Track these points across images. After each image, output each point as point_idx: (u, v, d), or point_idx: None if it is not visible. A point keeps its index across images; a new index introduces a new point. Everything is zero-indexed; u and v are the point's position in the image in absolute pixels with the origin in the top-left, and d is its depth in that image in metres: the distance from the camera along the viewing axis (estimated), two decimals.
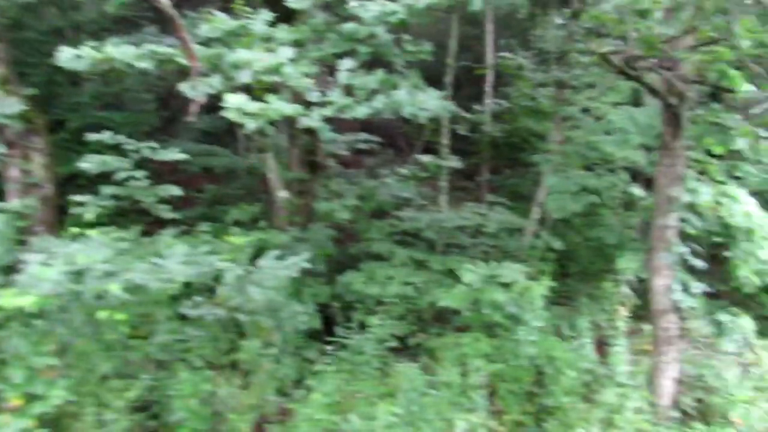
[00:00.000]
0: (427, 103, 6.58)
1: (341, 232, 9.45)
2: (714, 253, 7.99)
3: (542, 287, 6.36)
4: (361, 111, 6.69)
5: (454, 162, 9.24)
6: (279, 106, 6.23)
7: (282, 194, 8.71)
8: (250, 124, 6.17)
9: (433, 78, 9.91)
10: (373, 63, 7.24)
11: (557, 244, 8.73)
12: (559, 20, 9.00)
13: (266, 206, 9.14)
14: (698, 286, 6.30)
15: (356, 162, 12.05)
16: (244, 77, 6.52)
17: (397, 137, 13.46)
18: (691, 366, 6.64)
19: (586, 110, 8.84)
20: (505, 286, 6.50)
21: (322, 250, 8.28)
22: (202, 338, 5.31)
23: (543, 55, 10.55)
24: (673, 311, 6.24)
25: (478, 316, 6.72)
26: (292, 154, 9.57)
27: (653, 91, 5.55)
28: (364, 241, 8.50)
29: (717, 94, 6.43)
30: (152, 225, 8.14)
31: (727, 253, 7.31)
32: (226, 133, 11.95)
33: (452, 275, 7.36)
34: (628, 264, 6.93)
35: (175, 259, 4.98)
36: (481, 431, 5.34)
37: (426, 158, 9.25)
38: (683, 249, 6.12)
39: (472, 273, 6.52)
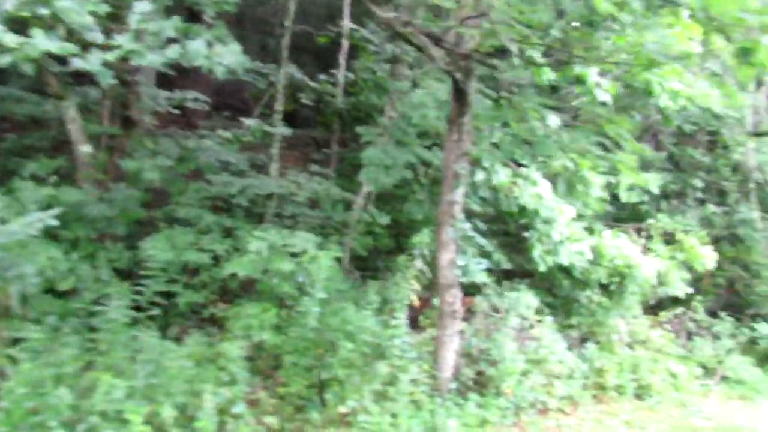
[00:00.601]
0: (224, 57, 6.15)
1: (158, 195, 8.81)
2: (519, 233, 8.32)
3: (329, 257, 6.21)
4: (152, 59, 6.14)
5: (283, 129, 8.88)
6: (41, 42, 5.51)
7: (84, 149, 7.89)
8: (3, 59, 5.43)
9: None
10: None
11: (384, 219, 8.69)
12: None
13: (69, 161, 8.27)
14: (482, 262, 6.44)
15: (194, 123, 11.33)
16: (8, 5, 5.72)
17: (249, 101, 12.87)
18: (477, 339, 6.83)
19: (416, 86, 8.81)
20: (295, 255, 6.29)
21: (125, 211, 7.65)
22: None
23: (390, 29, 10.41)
24: (456, 286, 6.34)
25: (270, 285, 6.48)
26: (103, 106, 8.74)
27: (440, 64, 5.49)
28: (174, 204, 7.94)
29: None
30: None
31: (525, 233, 7.62)
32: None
33: None
34: (423, 238, 6.96)
35: None
36: (239, 404, 5.09)
37: (251, 122, 8.81)
38: (467, 225, 6.21)
39: (260, 241, 6.23)
